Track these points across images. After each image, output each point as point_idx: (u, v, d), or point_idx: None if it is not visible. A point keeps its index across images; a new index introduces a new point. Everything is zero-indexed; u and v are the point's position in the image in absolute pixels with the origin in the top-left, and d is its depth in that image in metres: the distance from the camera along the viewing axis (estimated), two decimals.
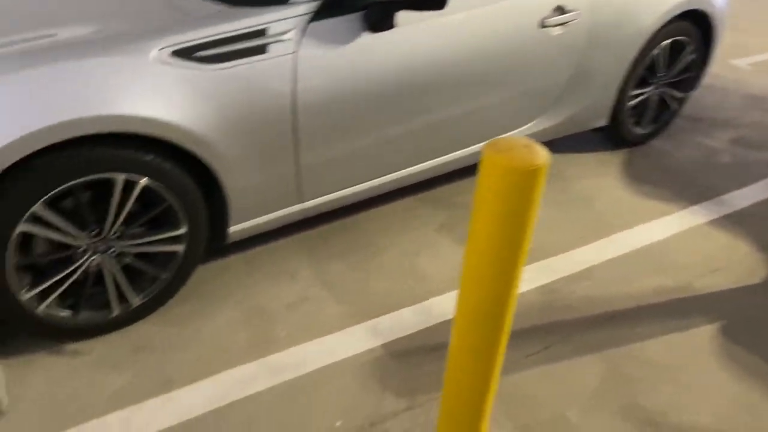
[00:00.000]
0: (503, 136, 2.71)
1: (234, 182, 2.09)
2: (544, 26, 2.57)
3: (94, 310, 2.04)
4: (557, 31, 2.62)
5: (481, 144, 2.74)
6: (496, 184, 1.16)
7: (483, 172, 1.18)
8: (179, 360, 2.02)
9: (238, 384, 1.95)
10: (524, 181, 1.14)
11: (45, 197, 1.75)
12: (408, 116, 2.39)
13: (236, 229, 2.24)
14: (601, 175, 3.12)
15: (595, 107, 3.03)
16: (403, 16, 2.23)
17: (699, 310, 2.34)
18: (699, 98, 3.97)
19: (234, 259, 2.47)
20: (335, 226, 2.69)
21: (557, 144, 3.36)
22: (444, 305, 2.29)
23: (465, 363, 1.48)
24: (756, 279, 2.51)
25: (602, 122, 3.15)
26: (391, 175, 2.55)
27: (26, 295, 1.86)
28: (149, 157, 1.87)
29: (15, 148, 1.63)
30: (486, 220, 1.20)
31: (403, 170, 2.58)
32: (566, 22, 2.63)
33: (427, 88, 2.36)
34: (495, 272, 1.26)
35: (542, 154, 1.16)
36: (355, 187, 2.47)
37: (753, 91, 4.13)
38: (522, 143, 1.18)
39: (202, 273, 2.38)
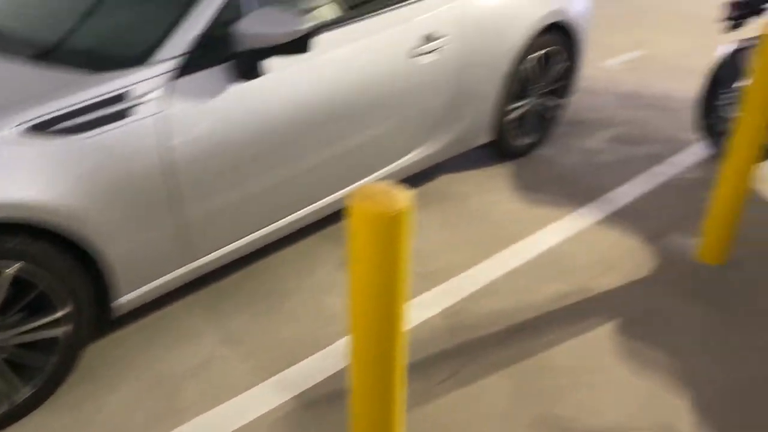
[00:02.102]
0: (368, 181, 2.74)
1: (116, 252, 1.99)
2: (414, 56, 2.62)
3: None
4: (429, 58, 2.68)
5: (375, 174, 2.75)
6: (363, 231, 1.16)
7: (351, 220, 1.17)
8: None
9: None
10: (390, 226, 1.15)
11: None
12: (290, 159, 2.37)
13: (126, 299, 2.13)
14: (492, 190, 3.21)
15: (477, 126, 3.12)
16: (272, 61, 2.22)
17: (597, 310, 2.43)
18: (577, 102, 4.18)
19: (130, 330, 2.35)
20: (236, 277, 2.62)
21: (446, 165, 3.43)
22: None
23: (366, 406, 1.46)
24: (645, 272, 2.64)
25: (487, 138, 3.25)
26: (285, 218, 2.51)
27: None
28: (13, 242, 1.76)
29: None
30: (360, 266, 1.20)
31: (298, 212, 2.55)
32: (436, 49, 2.70)
33: (305, 129, 2.35)
34: (378, 315, 1.26)
35: (405, 198, 1.17)
36: (249, 236, 2.42)
37: (624, 89, 4.39)
38: (385, 189, 1.19)
39: (97, 349, 2.25)
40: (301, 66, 2.30)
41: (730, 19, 3.26)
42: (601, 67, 4.77)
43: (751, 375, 2.16)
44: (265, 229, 2.46)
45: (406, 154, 2.85)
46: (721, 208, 2.51)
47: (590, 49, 5.04)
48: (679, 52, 5.06)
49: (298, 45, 2.08)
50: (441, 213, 3.03)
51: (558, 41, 3.33)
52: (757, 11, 3.25)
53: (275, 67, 2.23)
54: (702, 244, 2.67)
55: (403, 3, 2.63)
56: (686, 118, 3.95)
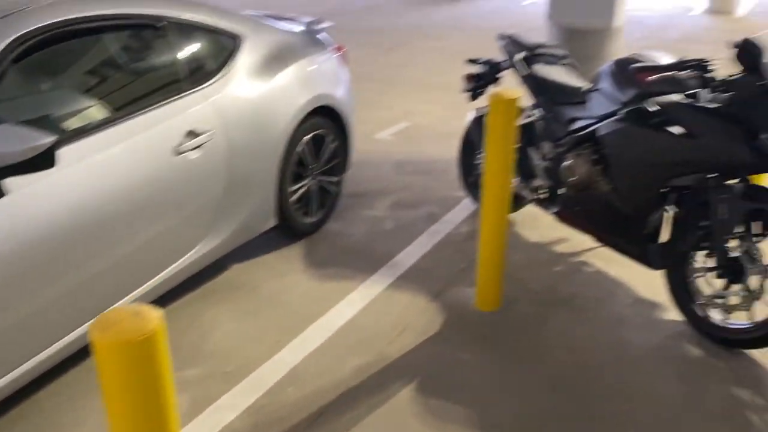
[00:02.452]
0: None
1: None
2: (179, 153, 2.59)
3: None
4: (195, 154, 2.66)
5: (155, 278, 2.62)
6: (111, 363, 1.08)
7: (95, 354, 1.09)
8: None
9: None
10: (140, 352, 1.09)
11: None
12: (45, 284, 2.16)
13: None
14: (285, 272, 3.22)
15: (260, 212, 3.14)
16: (14, 181, 2.05)
17: (396, 376, 2.51)
18: (355, 175, 4.40)
19: None
20: (11, 416, 2.30)
21: (236, 254, 3.39)
22: None
23: None
24: (435, 328, 2.80)
25: (272, 223, 3.28)
26: (45, 352, 2.24)
27: None
28: None
29: None
30: (115, 403, 1.11)
31: (63, 340, 2.30)
32: (202, 144, 2.69)
33: (61, 249, 2.18)
34: None
35: (154, 318, 1.12)
36: (14, 371, 2.15)
37: (397, 158, 4.72)
38: (131, 312, 1.13)
39: None
40: (51, 180, 2.14)
41: (468, 90, 3.69)
42: (374, 139, 5.09)
43: (544, 405, 2.35)
44: (35, 359, 2.20)
45: (186, 253, 2.76)
46: (486, 258, 2.77)
47: (360, 124, 5.37)
48: (439, 120, 5.58)
49: (41, 160, 1.95)
50: (235, 305, 2.96)
51: (326, 123, 3.50)
52: (491, 81, 3.72)
53: (18, 185, 2.06)
54: (477, 293, 2.90)
55: (160, 103, 2.59)
56: (453, 179, 4.34)
